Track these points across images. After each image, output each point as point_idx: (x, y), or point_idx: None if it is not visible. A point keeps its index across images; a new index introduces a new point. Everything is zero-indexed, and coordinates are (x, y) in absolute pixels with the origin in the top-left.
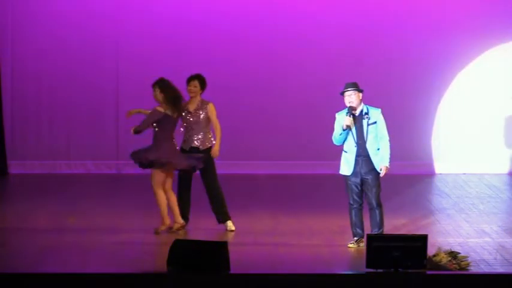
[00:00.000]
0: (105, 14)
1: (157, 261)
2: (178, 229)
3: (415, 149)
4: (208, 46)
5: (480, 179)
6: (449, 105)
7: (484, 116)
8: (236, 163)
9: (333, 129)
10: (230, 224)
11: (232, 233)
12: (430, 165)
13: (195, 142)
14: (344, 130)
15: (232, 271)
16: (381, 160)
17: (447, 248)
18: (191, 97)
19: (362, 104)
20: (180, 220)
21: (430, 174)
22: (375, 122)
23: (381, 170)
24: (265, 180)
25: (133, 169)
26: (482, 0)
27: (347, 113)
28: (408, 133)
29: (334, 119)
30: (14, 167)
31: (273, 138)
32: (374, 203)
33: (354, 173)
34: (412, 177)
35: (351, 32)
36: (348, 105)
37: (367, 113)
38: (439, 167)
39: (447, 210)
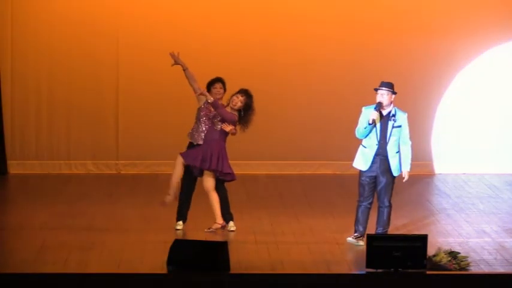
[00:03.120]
0: (105, 14)
1: (157, 261)
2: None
3: (415, 149)
4: (208, 45)
5: (480, 179)
6: (449, 105)
7: (484, 116)
8: (236, 163)
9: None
10: (232, 224)
11: (233, 233)
12: (430, 165)
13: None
14: (369, 124)
15: (232, 271)
16: (403, 164)
17: (447, 248)
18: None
19: (392, 105)
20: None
21: (430, 174)
22: (400, 126)
23: (404, 176)
24: (265, 180)
25: (133, 169)
26: (482, 0)
27: (375, 107)
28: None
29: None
30: (14, 167)
31: (274, 138)
32: (386, 202)
33: (370, 170)
34: (412, 177)
35: (351, 33)
36: (378, 101)
37: (394, 115)
38: (439, 167)
39: (447, 210)
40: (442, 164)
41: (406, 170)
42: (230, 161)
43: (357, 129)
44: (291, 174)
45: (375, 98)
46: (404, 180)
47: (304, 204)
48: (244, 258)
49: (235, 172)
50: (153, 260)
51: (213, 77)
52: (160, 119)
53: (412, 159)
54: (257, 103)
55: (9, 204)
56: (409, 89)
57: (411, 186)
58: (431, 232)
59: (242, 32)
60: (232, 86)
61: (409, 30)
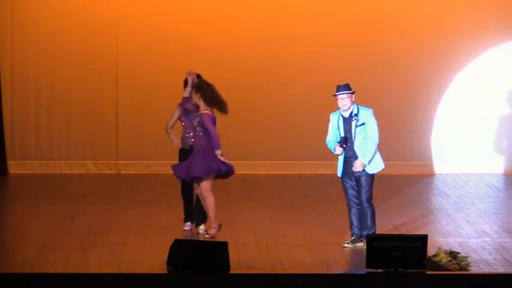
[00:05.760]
0: (105, 12)
1: (157, 261)
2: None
3: (415, 149)
4: (209, 44)
5: (480, 179)
6: (449, 105)
7: (484, 116)
8: (236, 163)
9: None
10: (202, 227)
11: (230, 234)
12: (430, 165)
13: (192, 141)
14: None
15: (232, 271)
16: (363, 156)
17: (447, 248)
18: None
19: (353, 104)
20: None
21: (430, 174)
22: (364, 124)
23: (355, 165)
24: (265, 180)
25: (133, 169)
26: (481, 0)
27: (339, 142)
28: (408, 133)
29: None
30: (14, 167)
31: (273, 138)
32: (364, 203)
33: (346, 174)
34: (412, 177)
35: (351, 33)
36: (340, 107)
37: (356, 115)
38: (439, 167)
39: (447, 210)
40: (442, 164)
41: (359, 161)
42: (231, 161)
43: (327, 141)
44: (291, 174)
45: (375, 98)
46: (353, 169)
47: (304, 204)
48: (244, 258)
49: (235, 172)
50: (153, 260)
51: (212, 75)
52: (161, 119)
53: (412, 159)
54: (257, 102)
55: (9, 204)
56: (409, 88)
57: (411, 186)
58: (431, 232)
59: (243, 31)
60: (232, 85)
61: (409, 29)
